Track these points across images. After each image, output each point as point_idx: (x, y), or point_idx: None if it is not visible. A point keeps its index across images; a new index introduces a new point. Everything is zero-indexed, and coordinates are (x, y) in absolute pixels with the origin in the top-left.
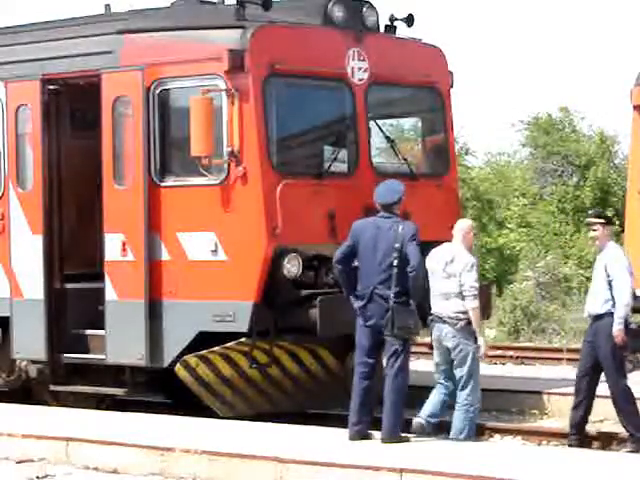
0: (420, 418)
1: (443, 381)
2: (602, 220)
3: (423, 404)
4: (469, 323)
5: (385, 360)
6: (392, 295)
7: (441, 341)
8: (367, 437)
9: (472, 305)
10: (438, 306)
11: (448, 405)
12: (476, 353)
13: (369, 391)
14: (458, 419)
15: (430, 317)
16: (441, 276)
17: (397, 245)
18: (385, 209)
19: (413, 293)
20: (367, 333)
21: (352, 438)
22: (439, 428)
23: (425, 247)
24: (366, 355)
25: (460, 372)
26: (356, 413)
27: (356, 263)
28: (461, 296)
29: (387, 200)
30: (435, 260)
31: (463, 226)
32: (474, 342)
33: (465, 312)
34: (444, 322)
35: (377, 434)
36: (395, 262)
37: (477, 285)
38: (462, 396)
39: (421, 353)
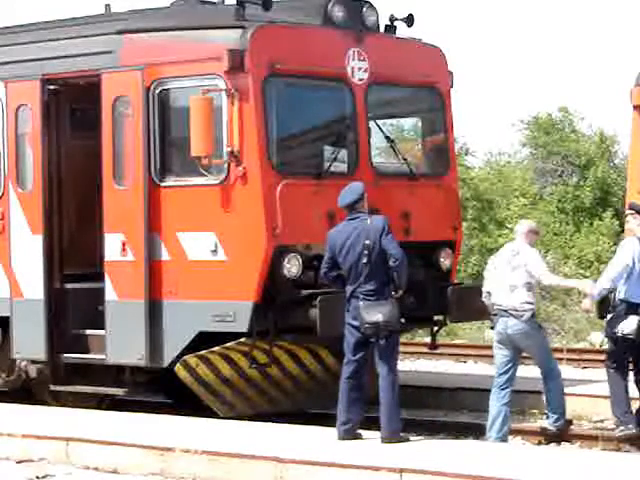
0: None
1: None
2: (632, 211)
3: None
4: (533, 315)
5: (376, 359)
6: (362, 292)
7: (507, 335)
8: (357, 437)
9: (551, 279)
10: (503, 299)
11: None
12: (547, 340)
13: (355, 390)
14: (559, 400)
15: (494, 312)
16: (506, 269)
17: (367, 242)
18: (350, 210)
19: (399, 284)
20: (352, 331)
21: (340, 438)
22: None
23: (425, 247)
24: (351, 353)
25: (543, 363)
26: (343, 412)
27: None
28: (527, 286)
29: (347, 201)
30: (500, 256)
31: (522, 229)
32: (542, 331)
33: (530, 302)
34: (509, 315)
35: (375, 434)
36: (364, 259)
37: (546, 266)
38: (555, 380)
39: (421, 353)
